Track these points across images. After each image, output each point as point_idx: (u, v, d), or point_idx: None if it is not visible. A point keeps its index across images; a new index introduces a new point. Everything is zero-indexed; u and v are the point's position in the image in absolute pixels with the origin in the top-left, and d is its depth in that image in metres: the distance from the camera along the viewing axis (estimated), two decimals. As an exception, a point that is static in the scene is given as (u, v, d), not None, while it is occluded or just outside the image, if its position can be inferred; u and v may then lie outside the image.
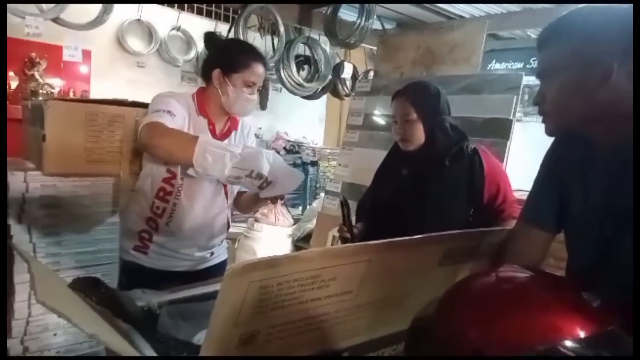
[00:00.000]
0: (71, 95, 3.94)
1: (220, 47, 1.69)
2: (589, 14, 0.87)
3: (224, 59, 1.58)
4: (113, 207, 1.84)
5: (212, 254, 1.69)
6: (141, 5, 4.10)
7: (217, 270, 1.68)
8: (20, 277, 1.59)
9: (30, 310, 1.65)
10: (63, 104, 1.70)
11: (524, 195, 1.64)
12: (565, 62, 0.87)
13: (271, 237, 3.51)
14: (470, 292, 0.78)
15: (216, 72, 1.55)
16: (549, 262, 1.11)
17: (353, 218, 1.62)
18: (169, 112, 1.43)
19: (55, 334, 1.71)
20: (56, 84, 3.90)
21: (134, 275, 1.58)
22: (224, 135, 1.64)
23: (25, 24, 2.66)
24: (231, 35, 3.59)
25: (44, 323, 1.68)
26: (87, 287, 0.93)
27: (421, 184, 1.50)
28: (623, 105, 0.84)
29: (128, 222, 1.65)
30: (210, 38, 1.73)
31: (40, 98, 3.35)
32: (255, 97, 1.59)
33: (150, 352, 0.86)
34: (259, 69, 1.57)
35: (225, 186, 1.63)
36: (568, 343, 0.62)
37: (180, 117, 1.48)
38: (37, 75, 3.72)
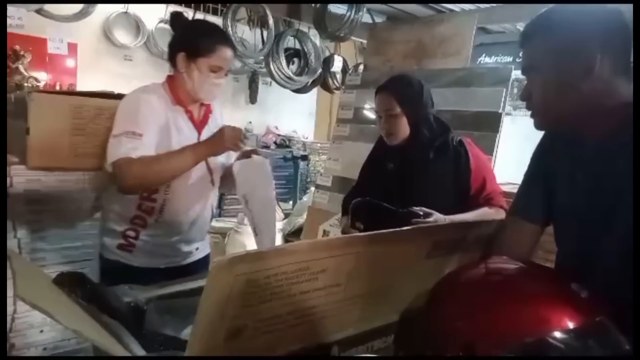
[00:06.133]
0: (57, 88, 3.87)
1: (185, 29, 1.59)
2: (569, 8, 0.89)
3: (188, 42, 1.49)
4: (98, 202, 1.82)
5: (197, 248, 1.66)
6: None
7: (202, 265, 1.65)
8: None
9: (15, 306, 1.62)
10: (47, 97, 1.67)
11: (513, 188, 1.65)
12: (548, 57, 0.88)
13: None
14: (459, 284, 0.78)
15: (180, 56, 1.47)
16: (538, 254, 1.11)
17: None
18: (133, 133, 1.36)
19: (41, 331, 1.69)
20: (42, 77, 3.83)
21: (117, 274, 1.48)
22: (203, 122, 1.58)
23: (8, 15, 2.60)
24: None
25: (29, 320, 1.66)
26: (72, 283, 0.92)
27: (408, 177, 1.50)
28: (607, 97, 0.85)
29: (109, 222, 1.56)
30: (176, 18, 1.63)
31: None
32: (223, 81, 1.52)
33: (137, 347, 0.85)
34: (226, 52, 1.49)
35: (211, 174, 1.59)
36: (556, 334, 0.62)
37: (152, 128, 1.41)
38: (21, 69, 3.65)
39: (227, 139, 1.44)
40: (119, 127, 1.40)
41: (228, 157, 1.67)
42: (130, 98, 1.48)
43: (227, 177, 1.67)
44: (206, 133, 1.57)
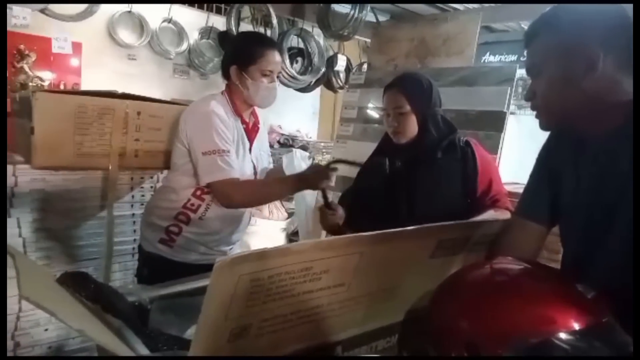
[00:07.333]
0: (62, 88, 3.88)
1: (232, 43, 1.71)
2: (571, 6, 0.89)
3: (237, 54, 1.59)
4: (103, 201, 1.83)
5: (231, 248, 1.71)
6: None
7: None
8: (9, 272, 1.57)
9: (20, 305, 1.64)
10: (51, 96, 1.68)
11: (517, 188, 1.64)
12: (551, 57, 0.88)
13: (265, 230, 3.49)
14: (464, 284, 0.78)
15: (233, 69, 1.56)
16: (543, 254, 1.11)
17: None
18: (223, 151, 1.46)
19: (46, 329, 1.70)
20: (46, 76, 3.83)
21: (156, 267, 1.58)
22: (253, 131, 1.67)
23: (12, 15, 2.61)
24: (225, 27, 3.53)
25: (34, 318, 1.67)
26: (76, 282, 0.92)
27: (414, 176, 1.49)
28: (611, 95, 0.84)
29: (152, 217, 1.63)
30: (224, 37, 1.75)
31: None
32: (276, 85, 1.60)
33: (140, 347, 0.85)
34: (274, 56, 1.57)
35: (255, 177, 1.66)
36: (562, 335, 0.61)
37: (231, 142, 1.51)
38: (26, 68, 3.65)
39: (319, 177, 1.53)
40: (207, 145, 1.47)
41: (269, 159, 1.80)
42: (205, 113, 1.52)
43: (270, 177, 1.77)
44: (256, 144, 1.67)
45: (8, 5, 2.67)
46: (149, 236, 1.61)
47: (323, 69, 4.33)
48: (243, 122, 1.62)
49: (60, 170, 1.71)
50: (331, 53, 4.48)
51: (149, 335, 0.90)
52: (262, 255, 0.65)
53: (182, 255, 1.58)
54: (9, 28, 2.82)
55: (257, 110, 1.72)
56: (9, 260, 1.35)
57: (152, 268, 1.59)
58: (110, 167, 1.78)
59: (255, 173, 1.65)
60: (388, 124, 1.54)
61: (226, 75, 1.60)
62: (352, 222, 1.56)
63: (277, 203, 3.98)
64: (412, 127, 1.49)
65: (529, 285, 0.72)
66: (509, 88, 2.40)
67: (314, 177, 1.54)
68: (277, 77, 1.61)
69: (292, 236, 3.67)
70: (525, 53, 0.95)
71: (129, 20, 4.21)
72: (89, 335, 0.69)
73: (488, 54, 4.07)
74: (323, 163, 4.54)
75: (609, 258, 0.87)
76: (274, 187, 1.61)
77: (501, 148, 2.34)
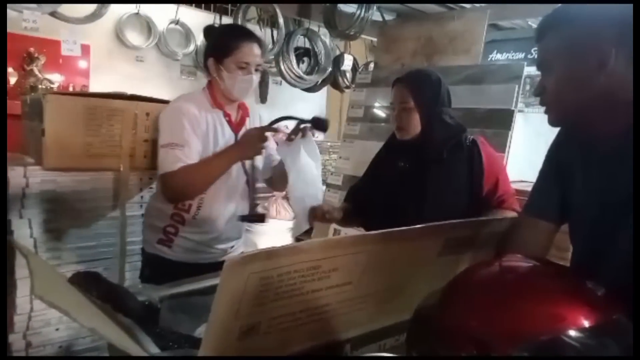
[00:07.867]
0: (70, 90, 3.91)
1: (211, 37, 1.70)
2: (583, 3, 0.88)
3: (213, 46, 1.60)
4: (113, 202, 1.85)
5: (232, 246, 1.70)
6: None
7: None
8: (22, 273, 1.60)
9: (32, 305, 1.66)
10: (62, 98, 1.70)
11: (525, 186, 1.63)
12: (562, 52, 0.87)
13: (272, 230, 3.51)
14: (473, 282, 0.78)
15: (210, 62, 1.56)
16: (552, 252, 1.10)
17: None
18: (176, 144, 1.44)
19: (57, 329, 1.72)
20: (55, 79, 3.88)
21: (157, 268, 1.59)
22: (240, 124, 1.65)
23: (23, 18, 2.64)
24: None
25: (45, 318, 1.69)
26: (87, 282, 0.93)
27: (420, 175, 1.47)
28: (622, 92, 0.84)
29: (151, 218, 1.65)
30: (208, 31, 1.73)
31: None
32: (253, 77, 1.57)
33: (151, 345, 0.86)
34: (250, 48, 1.54)
35: (247, 175, 1.65)
36: (572, 332, 0.61)
37: (193, 137, 1.48)
38: (36, 71, 3.70)
39: (249, 140, 1.50)
40: (164, 138, 1.47)
41: (267, 153, 1.73)
42: (171, 108, 1.54)
43: (277, 173, 1.73)
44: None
45: (18, 8, 2.70)
46: (149, 237, 1.63)
47: (329, 69, 4.34)
48: (226, 115, 1.60)
49: (71, 171, 1.73)
50: (338, 52, 4.48)
51: (159, 334, 0.91)
52: (272, 253, 0.66)
53: (181, 255, 1.59)
54: (19, 31, 2.86)
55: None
56: (22, 261, 1.37)
57: (153, 269, 1.60)
58: (121, 168, 1.80)
59: (243, 165, 1.63)
60: (392, 119, 1.54)
61: (206, 68, 1.60)
62: (353, 219, 1.56)
63: (284, 203, 4.00)
64: (415, 123, 1.47)
65: (538, 283, 0.71)
66: (517, 86, 2.39)
67: (245, 141, 1.49)
68: (257, 69, 1.57)
69: (299, 235, 3.67)
70: (536, 47, 0.94)
71: (136, 22, 4.24)
72: (100, 334, 0.70)
73: (495, 52, 4.04)
74: (330, 163, 4.53)
75: (617, 256, 0.86)
76: (211, 163, 1.50)
77: (509, 146, 2.32)
